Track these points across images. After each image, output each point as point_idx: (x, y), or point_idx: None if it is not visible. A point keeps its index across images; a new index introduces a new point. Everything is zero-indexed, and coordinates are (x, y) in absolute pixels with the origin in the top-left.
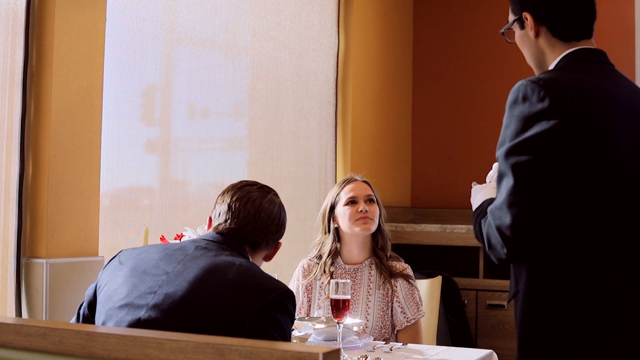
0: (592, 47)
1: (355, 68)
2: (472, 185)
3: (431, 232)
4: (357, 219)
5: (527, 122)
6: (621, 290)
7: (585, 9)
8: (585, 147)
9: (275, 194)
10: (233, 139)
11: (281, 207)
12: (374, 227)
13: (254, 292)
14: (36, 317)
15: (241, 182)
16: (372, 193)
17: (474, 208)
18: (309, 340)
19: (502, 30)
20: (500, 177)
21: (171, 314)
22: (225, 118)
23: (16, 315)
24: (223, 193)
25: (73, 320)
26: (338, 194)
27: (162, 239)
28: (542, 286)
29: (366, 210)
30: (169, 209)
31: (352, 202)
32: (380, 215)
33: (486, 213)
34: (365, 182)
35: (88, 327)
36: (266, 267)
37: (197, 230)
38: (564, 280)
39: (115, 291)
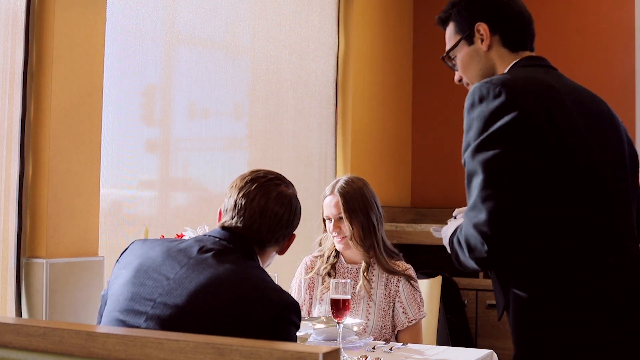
0: (536, 55)
1: (355, 68)
2: (433, 231)
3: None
4: (333, 236)
5: (488, 119)
6: (599, 277)
7: (529, 22)
8: (545, 137)
9: (287, 185)
10: (233, 139)
11: (292, 200)
12: (349, 244)
13: (257, 308)
14: (36, 317)
15: (252, 172)
16: (341, 211)
17: (447, 241)
18: (309, 340)
19: (448, 51)
20: (469, 178)
21: (171, 327)
22: (225, 118)
23: (16, 315)
24: (231, 186)
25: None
26: (322, 203)
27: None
28: (531, 284)
29: (337, 231)
30: (169, 209)
31: (327, 218)
32: (358, 228)
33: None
34: (339, 194)
35: (88, 327)
36: (268, 267)
37: (197, 230)
38: (552, 274)
39: (121, 292)
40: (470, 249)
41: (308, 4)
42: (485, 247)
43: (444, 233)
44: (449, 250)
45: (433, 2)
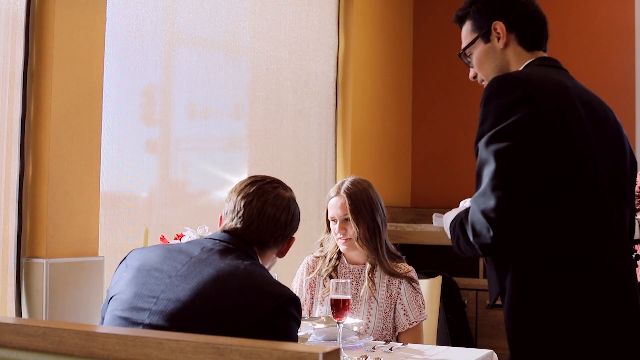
0: (549, 56)
1: (355, 68)
2: (435, 216)
3: (431, 232)
4: (338, 238)
5: (504, 111)
6: (596, 277)
7: (544, 22)
8: (555, 135)
9: (285, 188)
10: (233, 139)
11: (290, 202)
12: (354, 244)
13: (256, 301)
14: (36, 317)
15: (250, 178)
16: (347, 212)
17: (447, 227)
18: (309, 340)
19: (464, 48)
20: (481, 166)
21: (173, 322)
22: (225, 118)
23: (16, 315)
24: (231, 191)
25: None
26: (327, 204)
27: (162, 239)
28: (529, 279)
29: (342, 233)
30: (169, 209)
31: (332, 220)
32: (364, 229)
33: (462, 218)
34: (346, 194)
35: (88, 327)
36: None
37: (197, 230)
38: (549, 270)
39: (123, 292)
40: (476, 234)
41: (308, 4)
42: (491, 233)
43: (445, 219)
44: (449, 234)
45: (433, 2)
